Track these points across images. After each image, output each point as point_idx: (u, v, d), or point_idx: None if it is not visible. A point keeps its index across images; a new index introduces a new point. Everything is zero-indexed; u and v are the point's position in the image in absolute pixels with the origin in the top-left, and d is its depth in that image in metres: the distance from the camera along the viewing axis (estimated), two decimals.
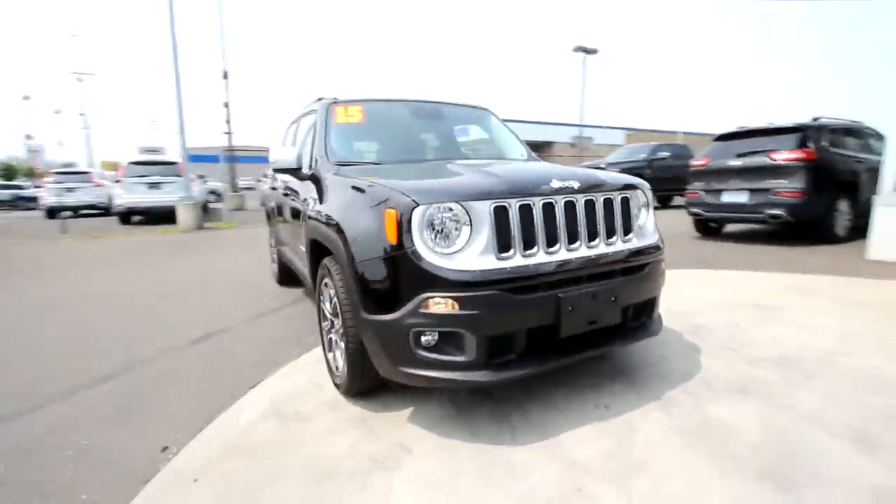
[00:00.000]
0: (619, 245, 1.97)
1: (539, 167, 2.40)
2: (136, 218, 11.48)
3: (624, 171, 8.35)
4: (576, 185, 1.88)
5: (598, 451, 1.68)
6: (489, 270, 1.66)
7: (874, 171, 6.36)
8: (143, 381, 2.48)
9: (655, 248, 2.11)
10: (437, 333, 1.66)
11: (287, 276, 4.38)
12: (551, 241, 1.80)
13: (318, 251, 2.34)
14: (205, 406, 2.16)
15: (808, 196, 5.72)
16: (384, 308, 1.71)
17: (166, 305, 3.98)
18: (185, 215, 9.92)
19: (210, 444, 1.85)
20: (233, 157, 18.01)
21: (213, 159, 30.09)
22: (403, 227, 1.65)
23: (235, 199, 16.87)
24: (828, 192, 5.89)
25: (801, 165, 5.77)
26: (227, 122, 16.62)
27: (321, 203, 2.30)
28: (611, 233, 1.97)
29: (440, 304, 1.62)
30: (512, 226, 1.73)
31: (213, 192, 18.51)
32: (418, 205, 1.65)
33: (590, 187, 1.92)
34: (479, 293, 1.62)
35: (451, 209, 1.69)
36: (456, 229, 1.70)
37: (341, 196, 2.13)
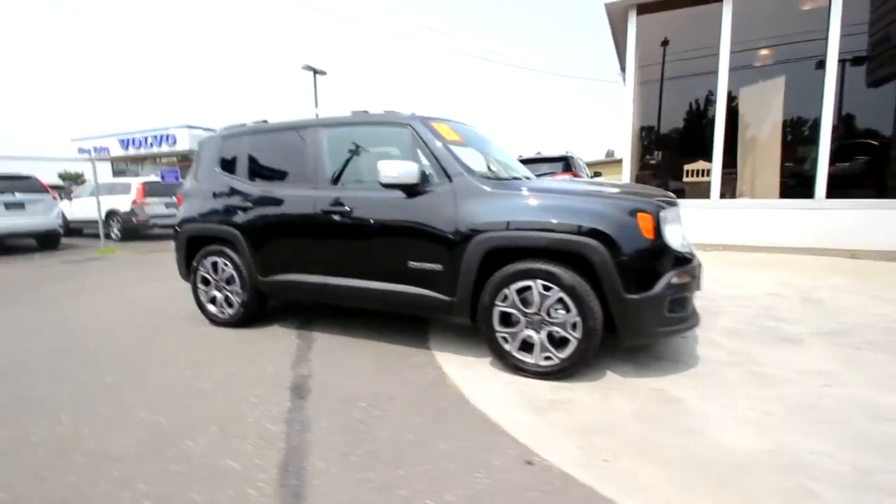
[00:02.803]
0: None
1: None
2: None
3: None
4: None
5: (727, 356, 2.74)
6: (691, 250, 2.47)
7: None
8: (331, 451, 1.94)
9: None
10: (674, 299, 2.33)
11: (255, 314, 3.56)
12: None
13: (491, 261, 2.49)
14: (466, 423, 2.01)
15: None
16: (646, 287, 2.25)
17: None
18: None
19: (546, 436, 1.93)
20: None
21: None
22: (657, 224, 2.27)
23: None
24: None
25: None
26: None
27: (499, 214, 2.47)
28: None
29: (682, 277, 2.32)
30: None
31: None
32: (663, 208, 2.30)
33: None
34: (694, 266, 2.41)
35: (674, 211, 2.41)
36: (666, 224, 2.42)
37: (559, 204, 2.42)
